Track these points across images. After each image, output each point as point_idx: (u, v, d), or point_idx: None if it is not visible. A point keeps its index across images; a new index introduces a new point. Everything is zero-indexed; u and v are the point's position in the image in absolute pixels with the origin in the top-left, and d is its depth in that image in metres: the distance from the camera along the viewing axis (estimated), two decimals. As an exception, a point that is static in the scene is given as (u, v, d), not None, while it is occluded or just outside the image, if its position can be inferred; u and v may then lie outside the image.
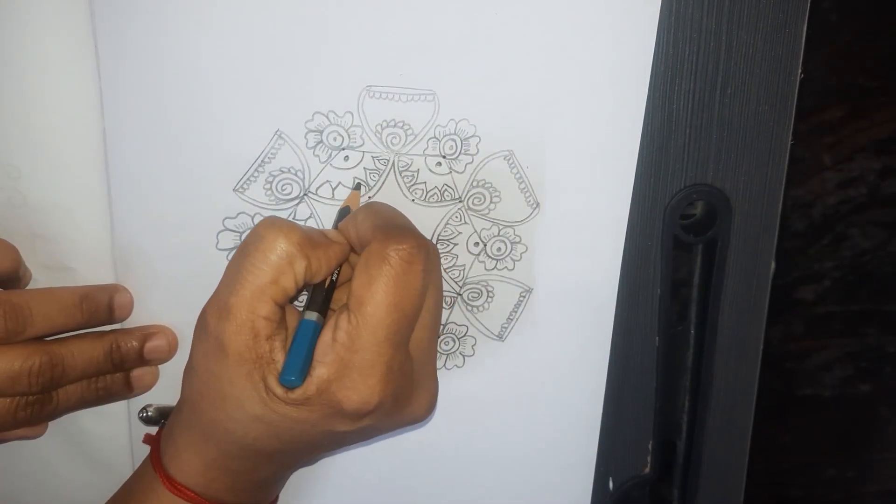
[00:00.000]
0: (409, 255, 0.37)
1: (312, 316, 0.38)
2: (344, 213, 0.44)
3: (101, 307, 0.44)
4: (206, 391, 0.39)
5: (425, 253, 0.37)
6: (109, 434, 0.49)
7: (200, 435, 0.40)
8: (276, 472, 0.43)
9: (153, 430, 0.47)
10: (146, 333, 0.46)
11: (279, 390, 0.37)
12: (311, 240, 0.38)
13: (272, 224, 0.38)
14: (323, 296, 0.39)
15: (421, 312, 0.39)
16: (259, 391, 0.37)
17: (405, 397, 0.39)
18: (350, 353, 0.37)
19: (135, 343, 0.45)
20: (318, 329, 0.38)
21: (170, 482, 0.41)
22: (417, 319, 0.38)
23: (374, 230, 0.38)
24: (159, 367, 0.47)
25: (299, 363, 0.37)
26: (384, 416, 0.39)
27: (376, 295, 0.36)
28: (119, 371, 0.45)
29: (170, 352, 0.46)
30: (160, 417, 0.48)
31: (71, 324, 0.43)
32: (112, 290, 0.45)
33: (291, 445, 0.40)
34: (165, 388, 0.48)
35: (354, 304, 0.37)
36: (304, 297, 0.43)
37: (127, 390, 0.46)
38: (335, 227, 0.43)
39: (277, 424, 0.38)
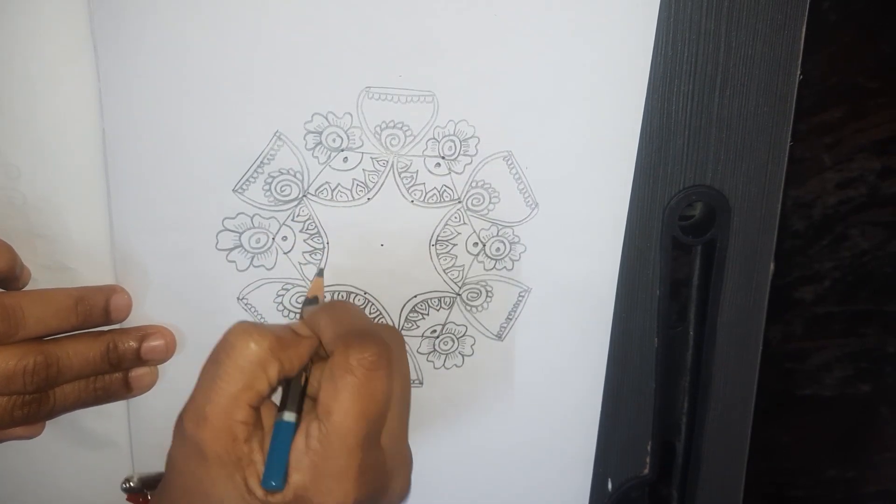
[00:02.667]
0: (372, 364, 0.37)
1: (289, 417, 0.39)
2: (310, 302, 0.44)
3: (96, 309, 0.44)
4: (189, 490, 0.39)
5: (387, 357, 0.38)
6: (110, 435, 0.49)
7: None
8: None
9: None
10: (144, 334, 0.46)
11: (259, 492, 0.37)
12: (281, 341, 0.39)
13: (242, 331, 0.38)
14: (297, 393, 0.40)
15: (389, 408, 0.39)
16: (241, 492, 0.38)
17: (381, 489, 0.40)
18: (323, 461, 0.37)
19: (132, 343, 0.45)
20: (291, 427, 0.39)
21: None
22: (385, 418, 0.39)
23: (335, 340, 0.39)
24: (160, 367, 0.47)
25: (281, 467, 0.37)
26: None
27: (343, 405, 0.37)
28: (117, 371, 0.45)
29: (168, 352, 0.46)
30: (142, 487, 0.48)
31: (66, 326, 0.43)
32: (109, 292, 0.45)
33: None
34: (165, 390, 0.48)
35: (323, 413, 0.38)
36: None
37: (126, 390, 0.46)
38: (301, 316, 0.43)
39: None
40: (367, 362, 0.37)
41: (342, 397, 0.37)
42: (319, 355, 0.41)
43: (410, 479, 0.42)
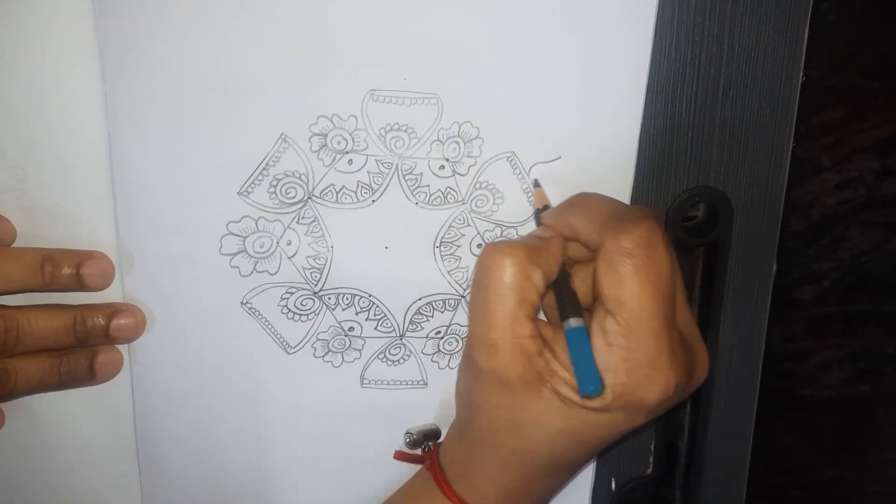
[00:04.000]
0: (647, 240, 0.37)
1: (577, 323, 0.38)
2: (538, 214, 0.45)
3: (66, 271, 0.43)
4: (498, 425, 0.39)
5: (660, 230, 0.37)
6: (116, 437, 0.49)
7: (499, 467, 0.41)
8: (566, 481, 0.44)
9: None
10: (113, 311, 0.45)
11: (576, 398, 0.37)
12: (533, 248, 0.39)
13: (495, 250, 0.38)
14: (573, 298, 0.40)
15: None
16: (556, 406, 0.38)
17: (690, 371, 0.39)
18: (632, 352, 0.37)
19: (101, 320, 0.44)
20: (583, 332, 0.38)
21: None
22: (676, 294, 0.39)
23: (599, 231, 0.38)
24: (167, 375, 0.47)
25: (593, 370, 0.37)
26: (679, 394, 0.39)
27: (634, 290, 0.36)
28: (83, 346, 0.45)
29: (137, 331, 0.46)
30: (423, 440, 0.49)
31: (30, 283, 0.42)
32: (82, 256, 0.44)
33: (593, 449, 0.41)
34: (169, 394, 0.48)
35: (614, 305, 0.37)
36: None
37: (89, 376, 0.46)
38: (538, 223, 0.44)
39: (581, 432, 0.39)
40: (644, 240, 0.37)
41: (630, 283, 0.36)
42: (575, 259, 0.41)
43: (708, 362, 0.41)
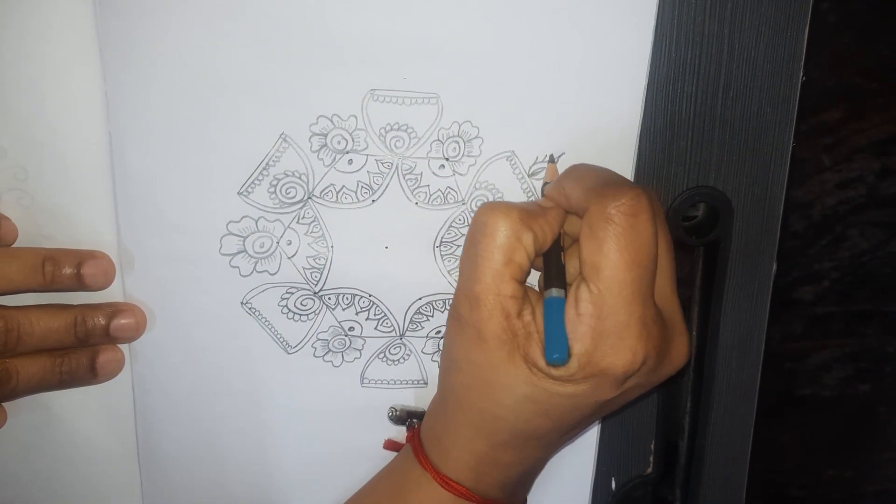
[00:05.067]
0: (631, 208, 0.36)
1: (557, 292, 0.38)
2: (546, 189, 0.44)
3: (66, 271, 0.43)
4: (471, 383, 0.39)
5: (646, 199, 0.37)
6: (116, 436, 0.49)
7: (470, 430, 0.41)
8: (542, 457, 0.44)
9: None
10: (114, 310, 0.45)
11: (543, 365, 0.37)
12: (529, 212, 0.39)
13: (490, 209, 0.39)
14: (560, 269, 0.40)
15: (657, 260, 0.38)
16: (523, 371, 0.38)
17: (664, 349, 0.39)
18: (601, 322, 0.37)
19: (101, 319, 0.45)
20: (562, 303, 0.38)
21: (441, 479, 0.41)
22: (656, 269, 0.38)
23: (586, 195, 0.38)
24: (167, 379, 0.47)
25: (561, 339, 0.37)
26: (648, 372, 0.39)
27: (609, 256, 0.36)
28: (84, 345, 0.45)
29: (137, 330, 0.46)
30: (407, 417, 0.49)
31: (31, 283, 0.42)
32: (83, 255, 0.44)
33: (560, 422, 0.40)
34: (171, 395, 0.48)
35: (590, 273, 0.37)
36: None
37: (91, 376, 0.46)
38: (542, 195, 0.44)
39: (546, 402, 0.38)
40: (626, 207, 0.36)
41: (607, 248, 0.36)
42: (573, 236, 0.41)
43: (688, 348, 0.41)
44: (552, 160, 0.46)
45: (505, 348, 0.38)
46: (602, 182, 0.38)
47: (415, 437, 0.45)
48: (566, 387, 0.38)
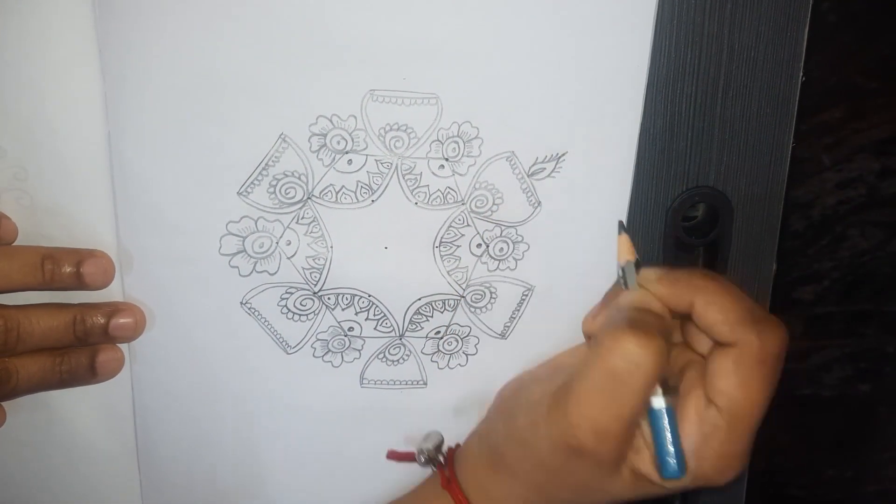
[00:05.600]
0: (780, 350, 0.37)
1: (661, 402, 0.39)
2: (629, 267, 0.42)
3: (66, 270, 0.43)
4: (559, 482, 0.40)
5: (787, 337, 0.38)
6: (116, 435, 0.49)
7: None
8: None
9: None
10: (113, 310, 0.45)
11: (656, 478, 0.38)
12: (666, 350, 0.37)
13: (644, 347, 0.36)
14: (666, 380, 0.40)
15: None
16: (629, 481, 0.39)
17: None
18: (728, 446, 0.38)
19: (100, 319, 0.45)
20: (671, 412, 0.39)
21: None
22: None
23: (732, 328, 0.37)
24: (166, 375, 0.47)
25: (680, 456, 0.38)
26: None
27: (753, 394, 0.37)
28: (82, 345, 0.45)
29: (136, 330, 0.46)
30: (436, 453, 0.49)
31: (31, 282, 0.42)
32: (82, 255, 0.44)
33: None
34: (171, 395, 0.48)
35: (724, 401, 0.37)
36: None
37: (90, 375, 0.46)
38: (626, 283, 0.41)
39: (636, 496, 0.40)
40: (777, 349, 0.37)
41: (754, 388, 0.37)
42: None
43: None
44: (622, 228, 0.43)
45: (615, 465, 0.38)
46: (749, 316, 0.38)
47: (455, 488, 0.44)
48: (666, 486, 0.39)
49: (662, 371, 0.37)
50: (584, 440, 0.37)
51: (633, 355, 0.36)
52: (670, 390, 0.40)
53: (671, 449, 0.37)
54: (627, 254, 0.42)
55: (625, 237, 0.42)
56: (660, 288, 0.40)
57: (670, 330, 0.39)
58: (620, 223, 0.43)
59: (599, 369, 0.37)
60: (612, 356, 0.37)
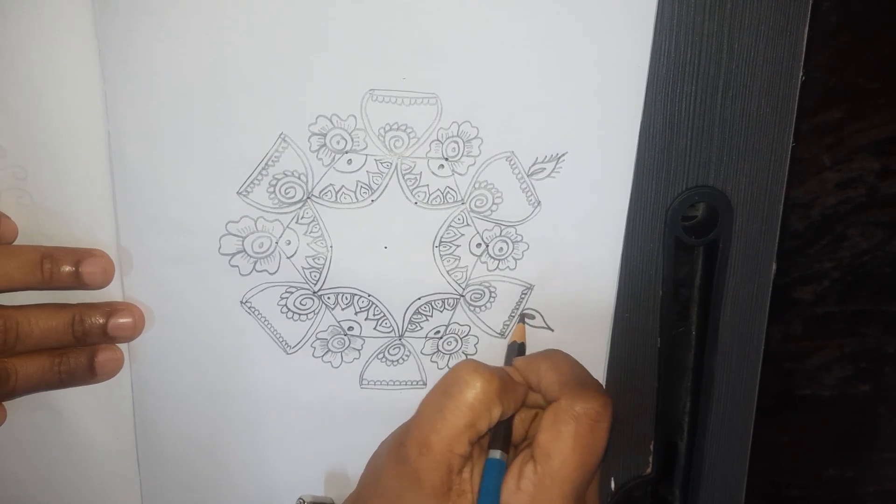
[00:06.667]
0: (598, 415, 0.39)
1: (497, 454, 0.41)
2: (512, 347, 0.48)
3: (64, 269, 0.43)
4: None
5: (610, 412, 0.40)
6: (115, 435, 0.49)
7: None
8: None
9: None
10: (112, 310, 0.45)
11: None
12: (506, 386, 0.41)
13: (474, 370, 0.40)
14: (507, 433, 0.42)
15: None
16: None
17: None
18: (535, 503, 0.39)
19: (99, 318, 0.45)
20: (502, 466, 0.41)
21: None
22: (595, 474, 0.41)
23: (561, 387, 0.40)
24: (166, 373, 0.47)
25: (495, 503, 0.40)
26: None
27: (563, 451, 0.39)
28: (81, 345, 0.45)
29: (135, 330, 0.46)
30: None
31: (30, 281, 0.42)
32: (81, 254, 0.44)
33: None
34: (170, 395, 0.48)
35: (541, 456, 0.39)
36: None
37: (90, 375, 0.46)
38: (506, 361, 0.47)
39: None
40: (594, 413, 0.39)
41: (564, 443, 0.39)
42: (526, 403, 0.44)
43: None
44: (522, 320, 0.49)
45: (437, 499, 0.40)
46: (577, 380, 0.41)
47: None
48: None
49: (486, 406, 0.40)
50: (409, 448, 0.40)
51: (462, 374, 0.40)
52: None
53: (486, 496, 0.40)
54: (516, 337, 0.49)
55: (522, 326, 0.49)
56: (519, 360, 0.44)
57: (517, 388, 0.42)
58: (521, 314, 0.49)
59: (436, 387, 0.41)
60: (447, 376, 0.41)
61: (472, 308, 0.48)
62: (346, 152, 0.44)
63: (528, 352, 0.49)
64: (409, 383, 0.50)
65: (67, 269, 0.43)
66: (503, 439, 0.42)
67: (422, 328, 0.48)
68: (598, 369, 0.51)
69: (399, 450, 0.41)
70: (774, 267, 0.51)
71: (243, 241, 0.45)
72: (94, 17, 0.41)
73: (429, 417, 0.40)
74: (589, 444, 0.39)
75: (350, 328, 0.48)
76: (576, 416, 0.39)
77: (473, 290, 0.48)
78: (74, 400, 0.48)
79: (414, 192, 0.46)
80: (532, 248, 0.48)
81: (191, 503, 0.51)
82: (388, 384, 0.49)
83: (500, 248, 0.48)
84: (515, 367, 0.44)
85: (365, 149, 0.44)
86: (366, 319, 0.48)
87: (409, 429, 0.41)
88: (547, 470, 0.39)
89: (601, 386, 0.41)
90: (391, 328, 0.48)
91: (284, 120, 0.43)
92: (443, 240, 0.47)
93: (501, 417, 0.41)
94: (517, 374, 0.43)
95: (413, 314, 0.48)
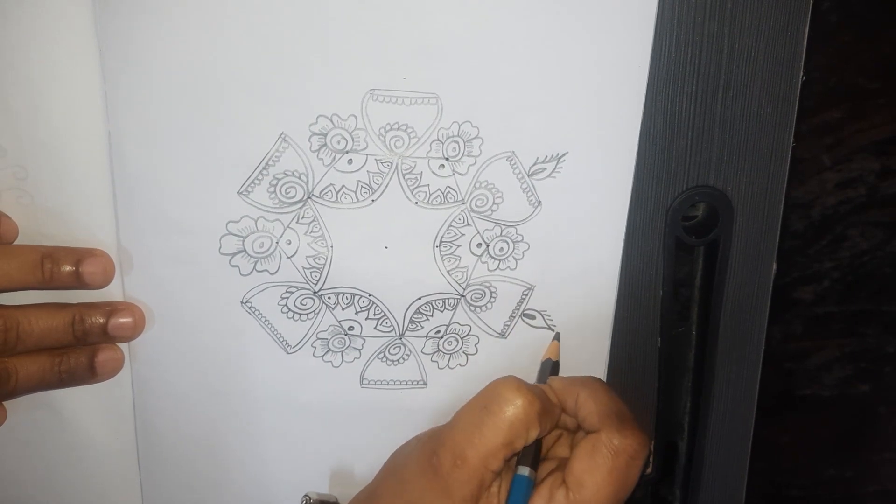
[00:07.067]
0: (635, 452, 0.40)
1: (526, 471, 0.41)
2: (546, 365, 0.48)
3: (65, 268, 0.43)
4: None
5: (647, 450, 0.41)
6: (116, 435, 0.49)
7: None
8: None
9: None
10: (112, 309, 0.45)
11: None
12: (545, 409, 0.41)
13: (518, 390, 0.40)
14: (536, 450, 0.42)
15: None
16: None
17: None
18: None
19: (99, 318, 0.45)
20: (530, 484, 0.41)
21: None
22: None
23: (600, 418, 0.41)
24: (165, 372, 0.47)
25: None
26: None
27: (597, 482, 0.40)
28: (82, 345, 0.45)
29: (135, 329, 0.46)
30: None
31: (30, 280, 0.42)
32: (81, 254, 0.44)
33: None
34: (170, 395, 0.48)
35: (574, 484, 0.40)
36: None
37: (91, 375, 0.46)
38: (539, 378, 0.48)
39: None
40: (632, 449, 0.40)
41: (600, 474, 0.40)
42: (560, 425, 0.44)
43: None
44: (557, 338, 0.49)
45: None
46: (619, 414, 0.41)
47: None
48: None
49: (525, 426, 0.40)
50: (443, 459, 0.40)
51: (504, 391, 0.40)
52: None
53: None
54: (550, 354, 0.49)
55: (556, 343, 0.49)
56: (556, 381, 0.44)
57: (554, 410, 0.42)
58: (557, 333, 0.49)
59: (475, 401, 0.41)
60: (487, 391, 0.41)
61: (472, 308, 0.48)
62: (347, 152, 0.44)
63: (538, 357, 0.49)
64: (410, 383, 0.50)
65: (67, 268, 0.43)
66: (533, 456, 0.42)
67: (422, 328, 0.48)
68: (599, 369, 0.51)
69: (430, 458, 0.41)
70: (774, 267, 0.51)
71: (244, 241, 0.45)
72: (94, 17, 0.41)
73: (466, 431, 0.40)
74: (623, 478, 0.40)
75: (350, 328, 0.48)
76: (614, 451, 0.40)
77: (474, 290, 0.48)
78: (74, 400, 0.48)
79: (414, 192, 0.46)
80: (533, 248, 0.48)
81: (191, 503, 0.51)
82: (388, 384, 0.49)
83: (501, 248, 0.48)
84: (552, 387, 0.44)
85: (365, 148, 0.44)
86: (366, 319, 0.48)
87: (443, 439, 0.41)
88: (579, 498, 0.39)
89: (639, 422, 0.42)
90: (391, 328, 0.48)
91: (285, 120, 0.43)
92: (443, 240, 0.47)
93: (538, 437, 0.41)
94: (553, 394, 0.43)
95: (413, 314, 0.48)
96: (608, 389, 0.43)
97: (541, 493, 0.41)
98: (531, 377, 0.49)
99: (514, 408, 0.40)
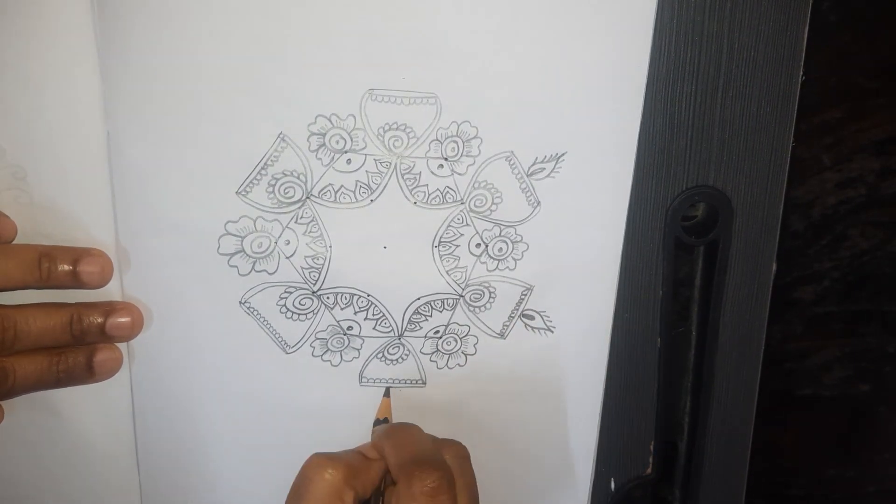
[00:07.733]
0: (433, 490, 0.39)
1: None
2: (380, 422, 0.49)
3: (62, 268, 0.43)
4: None
5: (447, 481, 0.40)
6: (115, 435, 0.49)
7: None
8: None
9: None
10: (110, 309, 0.45)
11: None
12: (353, 470, 0.41)
13: (317, 464, 0.41)
14: None
15: None
16: None
17: None
18: None
19: (97, 318, 0.45)
20: None
21: None
22: None
23: (398, 469, 0.41)
24: (169, 373, 0.47)
25: None
26: None
27: None
28: (80, 344, 0.45)
29: (133, 329, 0.46)
30: None
31: (28, 279, 0.42)
32: (79, 253, 0.44)
33: None
34: (170, 394, 0.48)
35: None
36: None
37: (89, 374, 0.46)
38: (372, 436, 0.47)
39: None
40: (430, 489, 0.39)
41: None
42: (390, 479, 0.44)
43: None
44: (387, 394, 0.49)
45: None
46: (412, 458, 0.41)
47: None
48: None
49: (337, 496, 0.40)
50: None
51: (308, 472, 0.41)
52: None
53: None
54: (380, 414, 0.49)
55: (387, 400, 0.49)
56: (375, 438, 0.45)
57: (371, 467, 0.42)
58: (387, 389, 0.50)
59: (290, 490, 0.41)
60: (297, 476, 0.41)
61: (471, 308, 0.48)
62: (346, 152, 0.44)
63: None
64: (409, 382, 0.50)
65: (65, 268, 0.43)
66: None
67: (421, 328, 0.48)
68: (599, 369, 0.51)
69: None
70: (774, 267, 0.51)
71: (242, 241, 0.45)
72: (94, 17, 0.41)
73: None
74: None
75: (349, 328, 0.48)
76: (413, 497, 0.39)
77: (473, 290, 0.48)
78: (74, 400, 0.48)
79: (413, 192, 0.46)
80: (532, 249, 0.48)
81: (190, 503, 0.51)
82: (387, 383, 0.49)
83: (500, 249, 0.48)
84: (372, 444, 0.44)
85: (364, 148, 0.44)
86: (365, 319, 0.48)
87: None
88: None
89: (438, 457, 0.41)
90: (390, 328, 0.48)
91: (283, 119, 0.43)
92: (442, 240, 0.47)
93: (360, 498, 0.41)
94: (373, 451, 0.44)
95: (412, 314, 0.48)
96: (409, 433, 0.44)
97: None
98: (531, 380, 0.50)
99: (319, 483, 0.40)
